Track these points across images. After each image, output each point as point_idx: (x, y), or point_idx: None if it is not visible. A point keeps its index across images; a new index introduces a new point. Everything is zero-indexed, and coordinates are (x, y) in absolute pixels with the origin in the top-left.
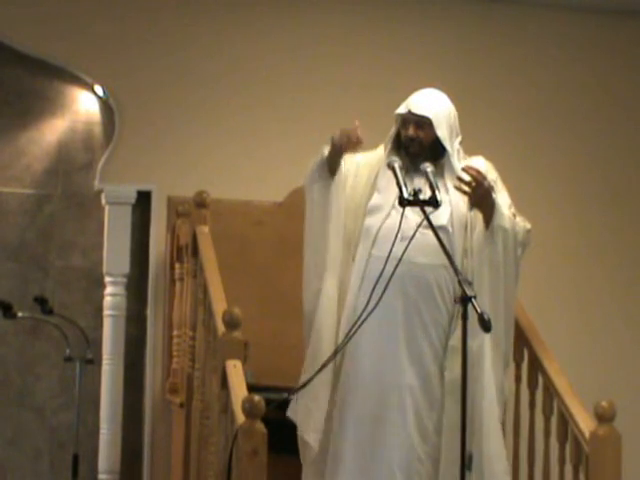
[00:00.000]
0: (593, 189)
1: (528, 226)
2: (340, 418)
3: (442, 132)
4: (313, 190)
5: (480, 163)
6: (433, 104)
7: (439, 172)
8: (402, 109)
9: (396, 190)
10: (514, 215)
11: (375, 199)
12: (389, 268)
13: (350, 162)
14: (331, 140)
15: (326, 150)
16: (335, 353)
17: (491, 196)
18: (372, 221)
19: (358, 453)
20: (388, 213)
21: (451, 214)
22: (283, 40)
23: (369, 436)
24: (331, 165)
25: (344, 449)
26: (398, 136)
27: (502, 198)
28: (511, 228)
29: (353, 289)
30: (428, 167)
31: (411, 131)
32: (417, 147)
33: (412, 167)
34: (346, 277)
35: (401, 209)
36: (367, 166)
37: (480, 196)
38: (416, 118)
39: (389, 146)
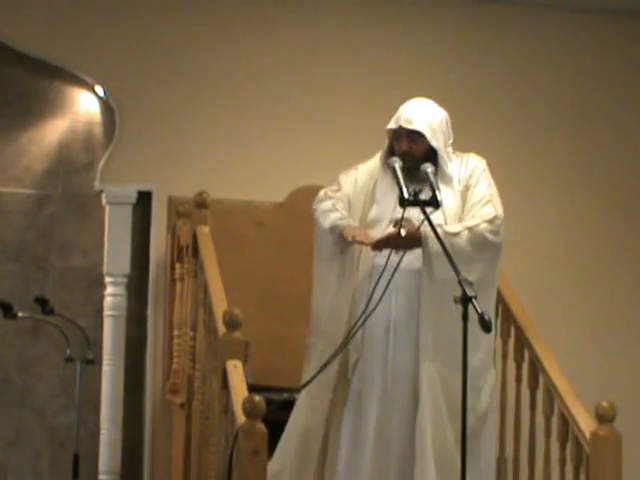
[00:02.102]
0: (593, 189)
1: (488, 217)
2: (354, 436)
3: (436, 143)
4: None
5: (470, 159)
6: (424, 115)
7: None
8: (393, 124)
9: (394, 200)
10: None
11: (374, 211)
12: (392, 276)
13: (348, 182)
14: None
15: (335, 231)
16: (335, 354)
17: (399, 236)
18: (374, 232)
19: (375, 458)
20: (388, 223)
21: (445, 219)
22: (283, 41)
23: (386, 444)
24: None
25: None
26: (392, 147)
27: (480, 189)
28: (451, 245)
29: (360, 299)
30: (428, 167)
31: (404, 146)
32: (411, 160)
33: (408, 174)
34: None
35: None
36: (368, 176)
37: (403, 245)
38: (409, 131)
39: (383, 160)
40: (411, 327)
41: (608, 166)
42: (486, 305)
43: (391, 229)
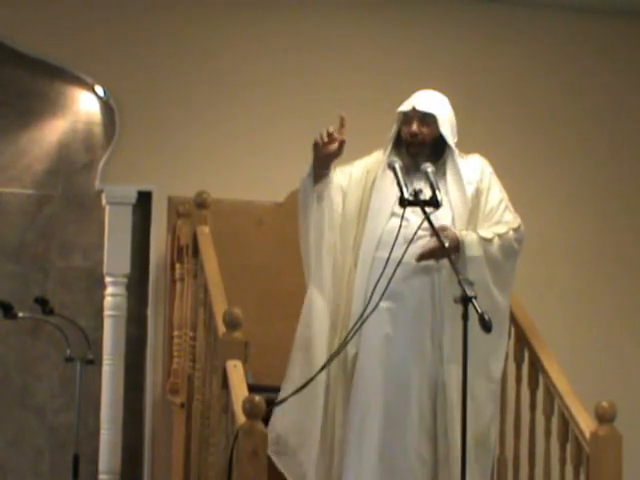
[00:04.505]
0: (595, 190)
1: (514, 225)
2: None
3: (445, 129)
4: (305, 215)
5: (476, 160)
6: (437, 103)
7: (440, 172)
8: (405, 107)
9: (396, 192)
10: (502, 225)
11: (375, 202)
12: (391, 271)
13: (342, 175)
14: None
15: (307, 169)
16: (335, 354)
17: (444, 247)
18: (374, 225)
19: (367, 451)
20: (389, 216)
21: (453, 217)
22: (283, 41)
23: (379, 437)
24: (317, 177)
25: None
26: (398, 136)
27: (494, 193)
28: (485, 251)
29: (359, 293)
30: (428, 167)
31: (414, 127)
32: (419, 144)
33: (412, 167)
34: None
35: (402, 211)
36: (364, 170)
37: (439, 255)
38: (420, 115)
39: (390, 145)
40: (415, 325)
41: (609, 166)
42: (504, 311)
43: (421, 233)
